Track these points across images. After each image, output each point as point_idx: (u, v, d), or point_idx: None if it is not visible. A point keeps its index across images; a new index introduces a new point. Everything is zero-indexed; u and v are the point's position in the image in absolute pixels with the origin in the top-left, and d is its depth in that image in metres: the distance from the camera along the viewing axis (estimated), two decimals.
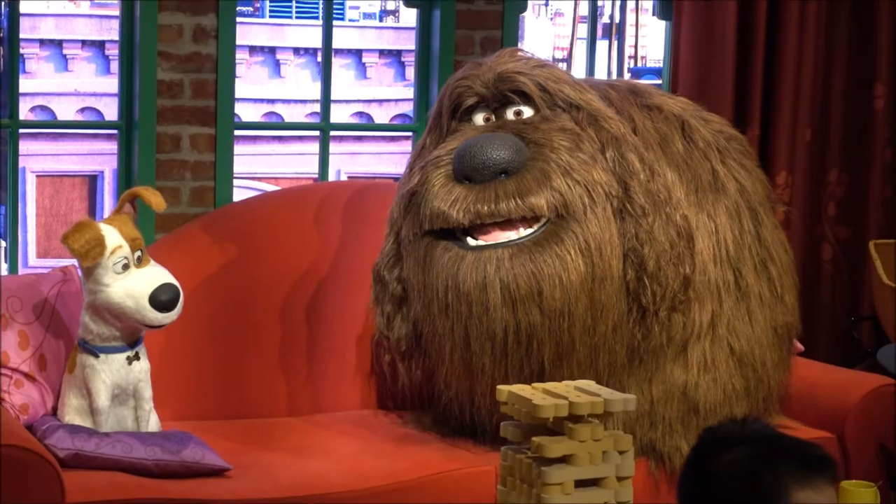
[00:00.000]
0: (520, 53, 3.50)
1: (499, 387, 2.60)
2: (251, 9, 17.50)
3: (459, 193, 3.19)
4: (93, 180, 15.47)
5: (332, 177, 4.53)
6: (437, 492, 3.14)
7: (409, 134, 4.60)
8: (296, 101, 16.00)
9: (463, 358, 3.24)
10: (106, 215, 3.34)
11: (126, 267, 3.14)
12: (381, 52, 16.77)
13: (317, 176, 4.42)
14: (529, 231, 3.17)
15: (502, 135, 3.24)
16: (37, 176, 15.07)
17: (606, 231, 3.19)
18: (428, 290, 3.25)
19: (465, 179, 3.19)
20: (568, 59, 19.34)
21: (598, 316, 3.19)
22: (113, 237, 3.14)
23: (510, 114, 3.37)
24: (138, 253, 3.18)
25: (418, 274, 3.29)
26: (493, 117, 3.38)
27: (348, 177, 15.08)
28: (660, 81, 5.03)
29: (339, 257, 3.73)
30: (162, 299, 3.13)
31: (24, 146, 4.84)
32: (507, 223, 3.18)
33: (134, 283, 3.13)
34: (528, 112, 3.35)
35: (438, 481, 3.16)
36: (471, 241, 3.19)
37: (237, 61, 4.24)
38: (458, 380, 3.32)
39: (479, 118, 3.39)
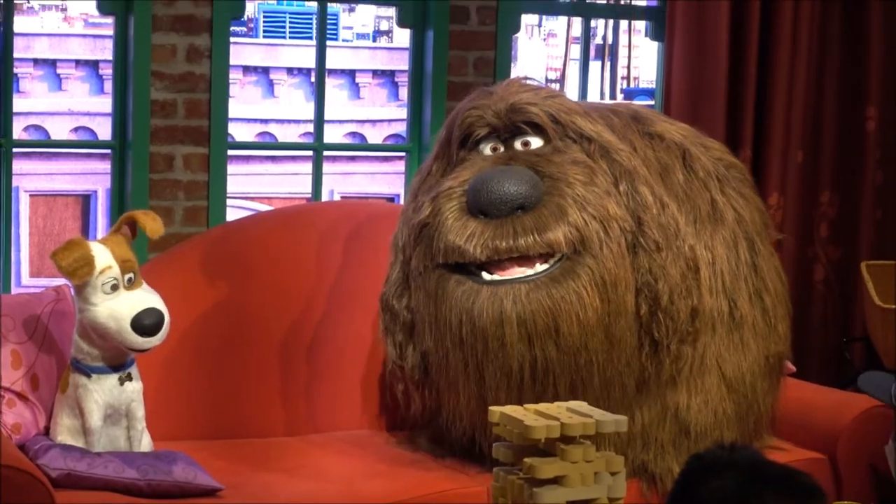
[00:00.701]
0: (529, 82, 3.49)
1: (491, 408, 2.60)
2: (245, 29, 17.53)
3: (475, 228, 3.17)
4: (86, 200, 15.46)
5: (325, 197, 4.53)
6: None
7: (403, 154, 4.61)
8: (289, 121, 16.02)
9: (477, 391, 3.23)
10: (99, 234, 3.33)
11: (115, 288, 3.14)
12: (375, 73, 16.80)
13: (310, 196, 4.43)
14: (545, 266, 3.16)
15: (518, 168, 3.23)
16: (30, 195, 15.06)
17: (621, 266, 3.18)
18: (440, 323, 3.23)
19: (480, 214, 3.17)
20: (561, 80, 19.39)
21: (613, 351, 3.19)
22: (103, 257, 3.14)
23: (518, 144, 3.36)
24: (129, 275, 3.17)
25: (429, 307, 3.26)
26: (502, 147, 3.37)
27: (341, 197, 15.09)
28: (652, 102, 5.04)
29: (332, 276, 3.73)
30: (144, 323, 3.12)
31: (18, 165, 4.87)
32: (524, 258, 3.17)
33: (119, 305, 3.13)
34: (536, 142, 3.34)
35: (432, 502, 3.16)
36: (486, 276, 3.17)
37: (231, 81, 4.25)
38: (471, 413, 3.30)
39: (486, 148, 3.37)
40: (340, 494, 3.14)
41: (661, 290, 3.20)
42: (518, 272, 3.16)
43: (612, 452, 2.63)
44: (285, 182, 15.41)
